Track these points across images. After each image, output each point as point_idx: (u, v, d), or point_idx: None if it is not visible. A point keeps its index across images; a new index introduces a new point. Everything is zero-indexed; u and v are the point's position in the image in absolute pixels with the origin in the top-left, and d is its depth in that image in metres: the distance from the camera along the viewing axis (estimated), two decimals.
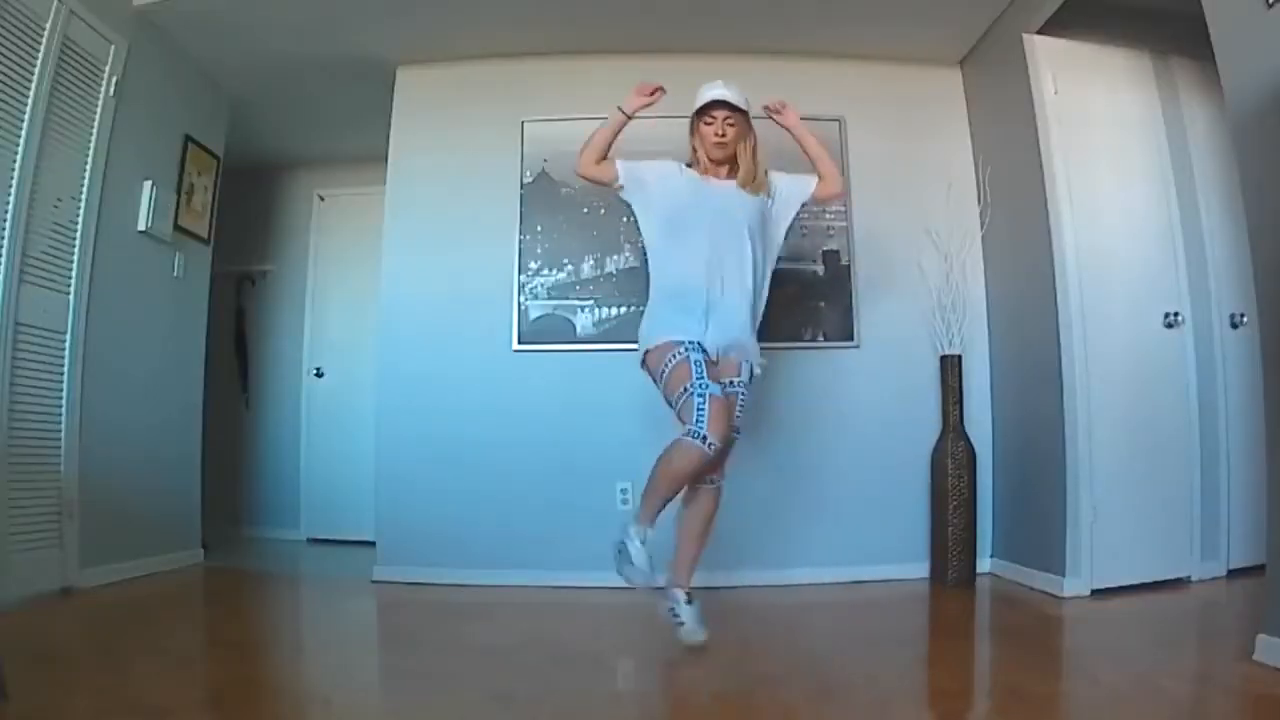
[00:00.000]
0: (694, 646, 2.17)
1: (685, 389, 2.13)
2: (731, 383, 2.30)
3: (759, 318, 2.40)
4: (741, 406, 2.36)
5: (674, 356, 2.20)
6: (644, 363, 2.33)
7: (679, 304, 2.28)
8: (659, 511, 2.22)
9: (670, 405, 2.24)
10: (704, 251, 2.26)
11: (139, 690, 1.75)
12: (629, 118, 2.39)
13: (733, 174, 2.38)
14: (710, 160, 2.38)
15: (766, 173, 2.41)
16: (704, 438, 2.08)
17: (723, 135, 2.33)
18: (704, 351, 2.22)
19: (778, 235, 2.47)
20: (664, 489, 2.18)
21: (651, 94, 2.38)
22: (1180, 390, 3.00)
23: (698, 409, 2.09)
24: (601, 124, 2.40)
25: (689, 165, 2.43)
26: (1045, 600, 2.81)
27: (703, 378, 2.13)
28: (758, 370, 2.38)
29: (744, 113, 2.36)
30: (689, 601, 2.27)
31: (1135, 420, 2.93)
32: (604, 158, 2.39)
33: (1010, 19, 3.21)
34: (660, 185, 2.38)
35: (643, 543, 2.17)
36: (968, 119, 3.59)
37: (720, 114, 2.33)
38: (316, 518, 4.67)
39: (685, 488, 2.27)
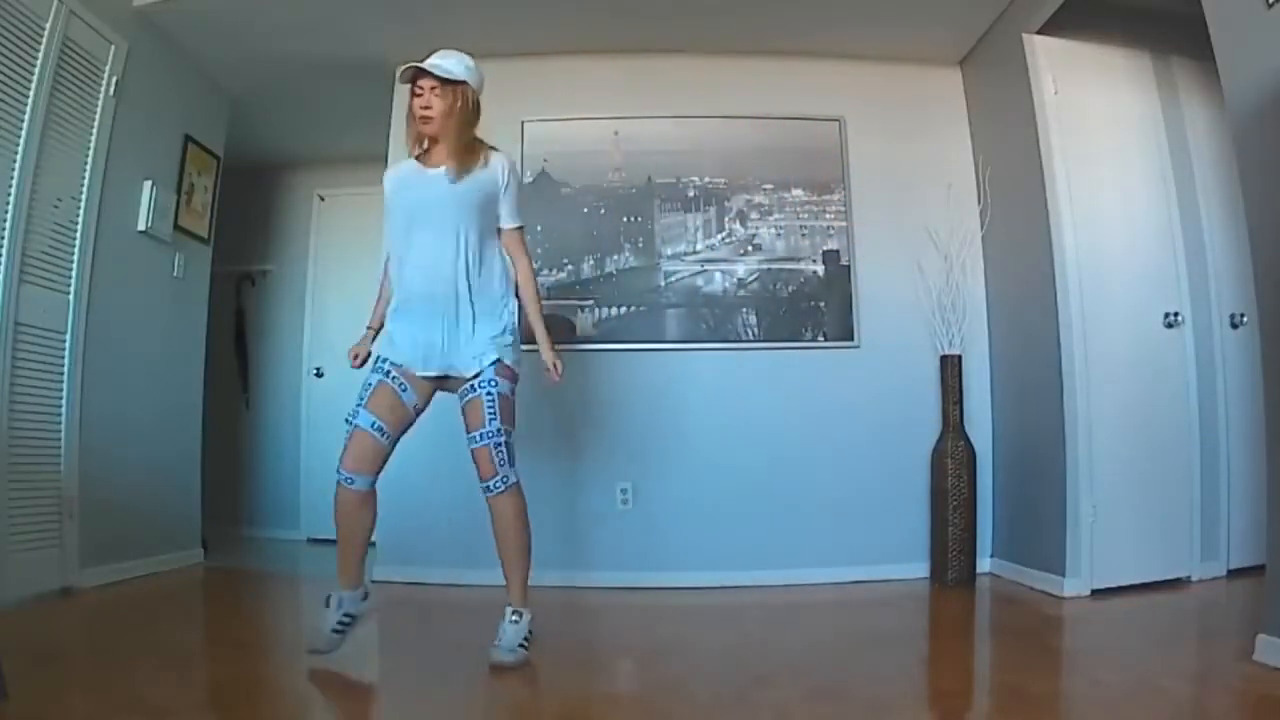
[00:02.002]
0: (496, 666, 1.97)
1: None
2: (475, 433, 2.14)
3: (490, 314, 2.15)
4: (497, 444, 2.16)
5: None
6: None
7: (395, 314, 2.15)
8: (348, 567, 2.14)
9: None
10: (411, 252, 2.10)
11: (139, 690, 1.75)
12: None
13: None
14: (424, 138, 2.15)
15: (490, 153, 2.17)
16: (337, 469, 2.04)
17: (427, 107, 2.08)
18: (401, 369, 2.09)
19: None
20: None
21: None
22: (1180, 390, 3.00)
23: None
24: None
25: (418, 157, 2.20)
26: (1045, 600, 2.81)
27: (360, 405, 2.07)
28: (493, 363, 2.13)
29: (458, 83, 2.10)
30: (513, 619, 2.10)
31: (1135, 420, 2.93)
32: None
33: (1010, 19, 3.21)
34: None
35: (335, 606, 2.08)
36: (968, 119, 3.59)
37: (425, 84, 2.09)
38: (316, 518, 4.66)
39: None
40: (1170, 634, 2.41)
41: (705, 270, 3.45)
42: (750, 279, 3.46)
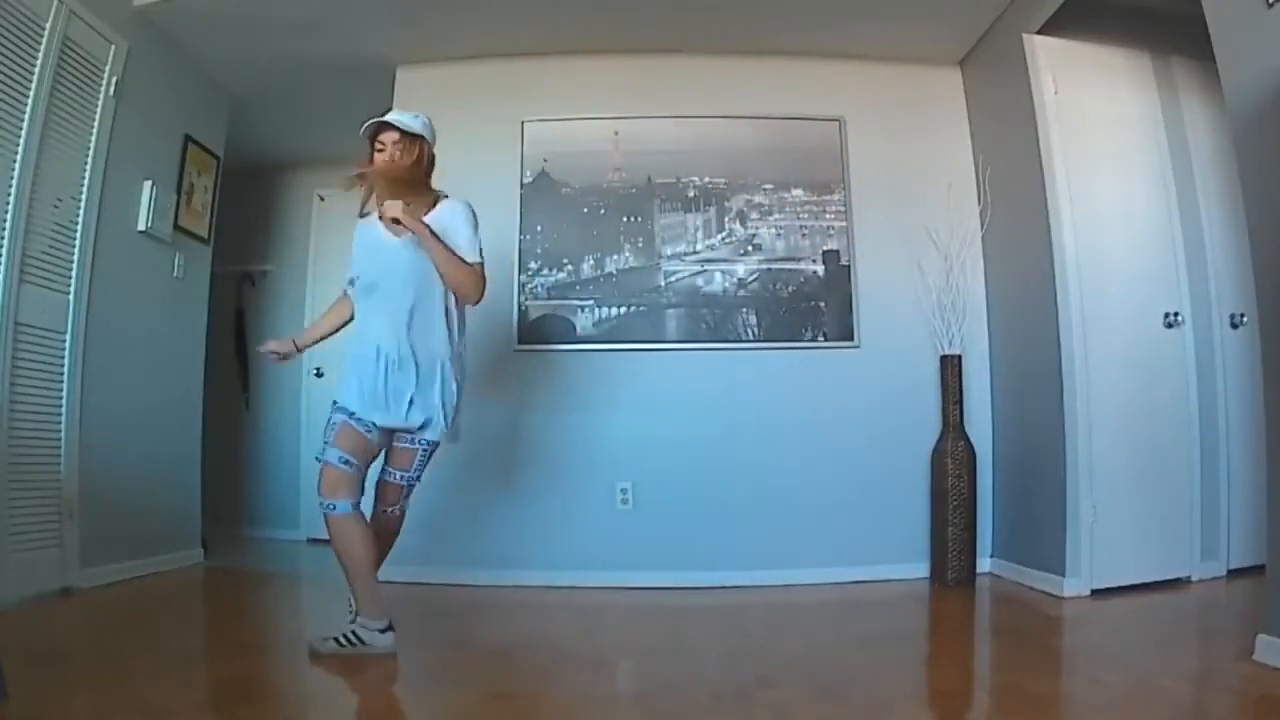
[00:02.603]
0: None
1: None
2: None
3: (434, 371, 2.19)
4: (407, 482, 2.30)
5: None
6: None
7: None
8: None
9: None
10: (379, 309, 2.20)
11: (139, 690, 1.75)
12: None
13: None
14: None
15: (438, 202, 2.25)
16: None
17: (391, 160, 2.22)
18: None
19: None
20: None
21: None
22: (1180, 390, 3.00)
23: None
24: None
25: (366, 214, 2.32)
26: (1045, 600, 2.81)
27: (327, 443, 2.15)
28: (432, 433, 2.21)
29: (418, 138, 2.24)
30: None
31: (1135, 420, 2.92)
32: (339, 319, 2.39)
33: (1010, 19, 3.21)
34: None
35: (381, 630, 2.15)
36: (968, 119, 3.59)
37: (389, 138, 2.22)
38: (316, 518, 4.58)
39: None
40: (1170, 634, 2.41)
41: (705, 270, 3.45)
42: (750, 279, 3.46)
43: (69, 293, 2.88)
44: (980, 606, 2.89)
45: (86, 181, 2.94)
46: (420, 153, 2.24)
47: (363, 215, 2.35)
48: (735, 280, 3.45)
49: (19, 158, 2.60)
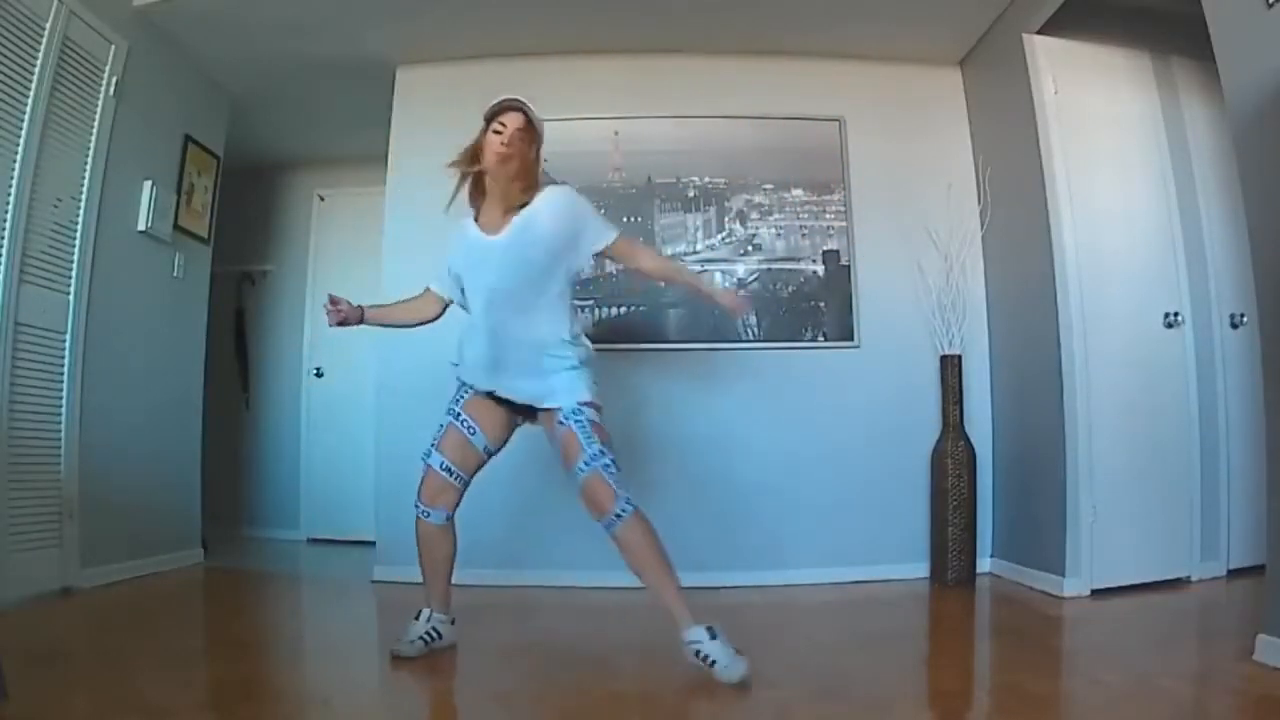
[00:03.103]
0: (742, 683, 1.83)
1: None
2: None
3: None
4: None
5: None
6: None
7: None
8: (436, 591, 2.25)
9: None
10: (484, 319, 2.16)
11: (139, 690, 1.75)
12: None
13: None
14: (495, 174, 2.14)
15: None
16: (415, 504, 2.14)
17: (509, 145, 2.11)
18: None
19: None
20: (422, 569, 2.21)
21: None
22: (1180, 390, 3.00)
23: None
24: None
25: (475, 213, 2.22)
26: (1045, 600, 2.81)
27: (432, 444, 2.16)
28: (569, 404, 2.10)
29: (536, 131, 2.17)
30: (713, 636, 1.91)
31: (1135, 420, 2.93)
32: (417, 315, 2.37)
33: (1010, 19, 3.21)
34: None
35: (424, 618, 2.18)
36: (968, 119, 3.59)
37: (513, 121, 2.12)
38: (316, 518, 4.67)
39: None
40: (1170, 634, 2.41)
41: (705, 270, 3.44)
42: (750, 279, 3.46)
43: (69, 293, 2.88)
44: (980, 606, 2.89)
45: (86, 181, 2.94)
46: (539, 146, 2.17)
47: (449, 205, 2.24)
48: (735, 280, 3.45)
49: (19, 158, 2.61)
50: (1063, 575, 2.84)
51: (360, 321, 2.32)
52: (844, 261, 3.47)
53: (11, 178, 2.59)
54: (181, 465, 3.57)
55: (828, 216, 3.49)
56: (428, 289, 2.35)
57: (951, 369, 3.28)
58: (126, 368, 3.18)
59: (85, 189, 2.94)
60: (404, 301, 2.41)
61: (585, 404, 2.10)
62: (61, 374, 2.84)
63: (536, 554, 3.27)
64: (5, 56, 2.53)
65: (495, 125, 2.12)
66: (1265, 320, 2.04)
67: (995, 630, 2.67)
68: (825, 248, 3.48)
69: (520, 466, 3.33)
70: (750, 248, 3.47)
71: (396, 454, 3.40)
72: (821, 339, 3.43)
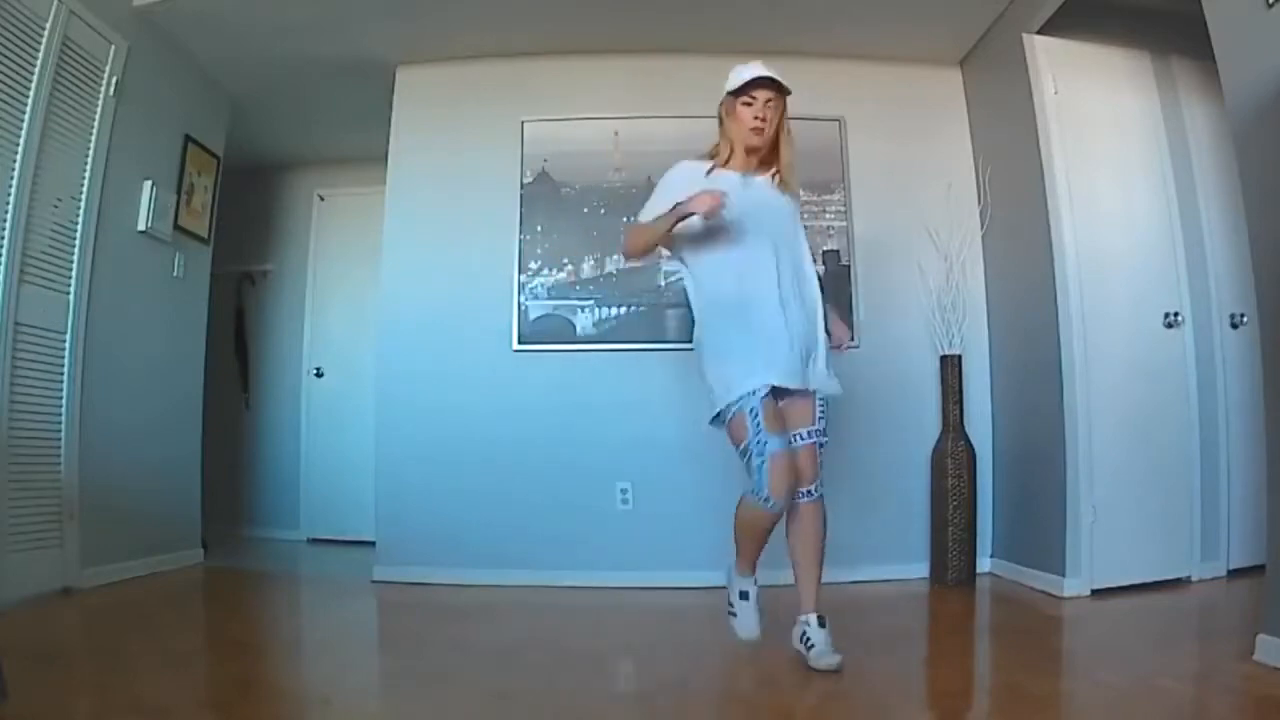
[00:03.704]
0: (828, 670, 1.91)
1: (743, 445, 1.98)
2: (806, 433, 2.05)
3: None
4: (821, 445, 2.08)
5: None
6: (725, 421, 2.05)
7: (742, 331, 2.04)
8: (754, 559, 2.14)
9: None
10: (769, 261, 2.05)
11: (139, 690, 1.75)
12: (679, 220, 2.01)
13: (764, 168, 2.14)
14: (746, 150, 2.12)
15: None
16: (765, 498, 1.95)
17: (762, 118, 2.07)
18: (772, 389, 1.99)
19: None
20: (742, 541, 2.12)
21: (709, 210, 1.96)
22: (1180, 390, 3.00)
23: (757, 469, 1.94)
24: (650, 223, 2.12)
25: (710, 160, 2.16)
26: (1045, 600, 2.81)
27: (760, 431, 1.94)
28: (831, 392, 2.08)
29: (785, 94, 2.11)
30: (821, 625, 2.01)
31: (1135, 420, 2.92)
32: (649, 252, 2.25)
33: (1010, 19, 3.21)
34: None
35: (746, 596, 2.14)
36: (968, 119, 3.59)
37: (762, 94, 2.06)
38: (316, 518, 4.67)
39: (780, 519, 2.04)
40: (1170, 634, 2.41)
41: None
42: None
43: (69, 293, 2.88)
44: (980, 606, 2.89)
45: (86, 181, 2.94)
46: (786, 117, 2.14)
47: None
48: None
49: (19, 158, 2.61)
50: (1063, 575, 2.84)
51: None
52: (844, 261, 3.47)
53: (11, 178, 2.59)
54: (181, 465, 3.57)
55: (828, 216, 3.49)
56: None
57: (951, 369, 3.28)
58: (126, 368, 3.18)
59: (85, 189, 2.94)
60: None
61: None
62: (61, 374, 2.84)
63: (537, 554, 3.27)
64: (5, 56, 2.53)
65: (745, 100, 2.10)
66: (1265, 320, 2.04)
67: (995, 630, 2.67)
68: (825, 248, 3.48)
69: (520, 466, 3.34)
70: None
71: (396, 454, 3.41)
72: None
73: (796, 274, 2.10)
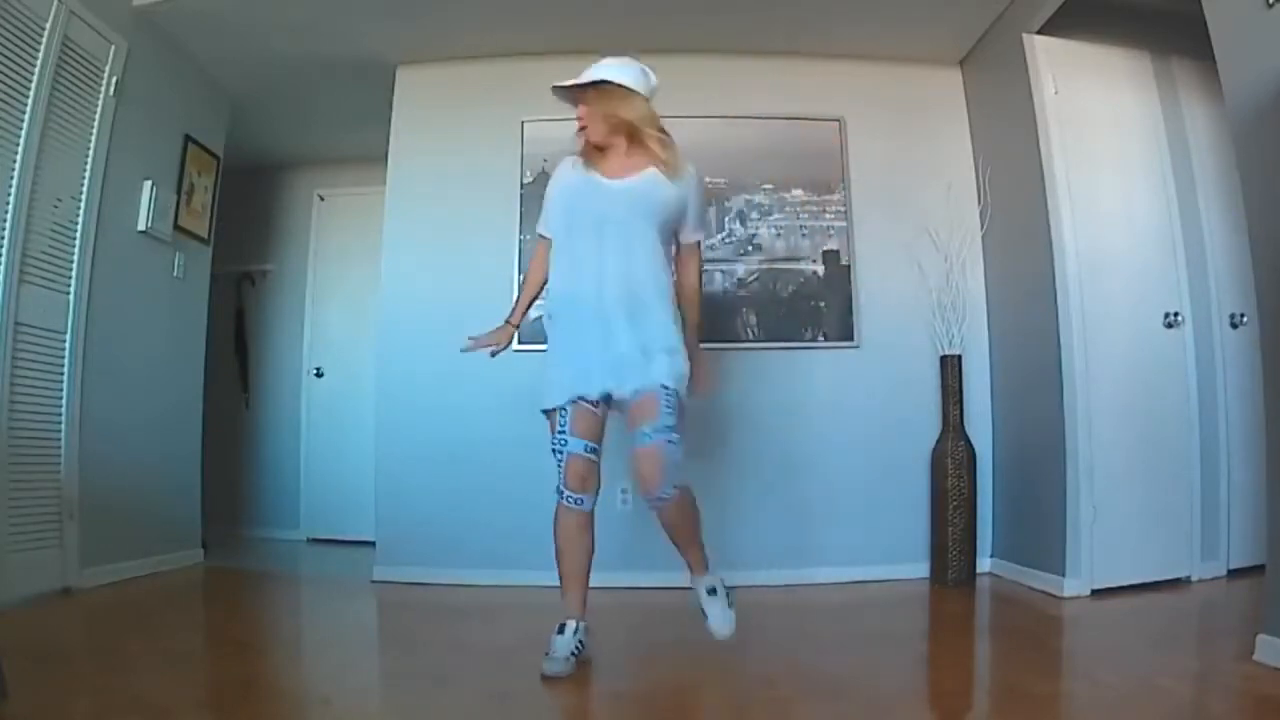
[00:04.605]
0: (720, 639, 2.04)
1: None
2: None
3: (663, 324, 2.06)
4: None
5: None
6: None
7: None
8: (573, 584, 2.11)
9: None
10: (594, 262, 2.04)
11: (139, 690, 1.75)
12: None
13: (630, 158, 2.09)
14: (592, 147, 2.12)
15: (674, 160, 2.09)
16: (558, 488, 2.05)
17: (582, 121, 2.11)
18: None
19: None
20: (559, 554, 2.13)
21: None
22: (1180, 390, 3.00)
23: (557, 465, 2.07)
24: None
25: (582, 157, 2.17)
26: (1045, 600, 2.81)
27: (562, 432, 2.06)
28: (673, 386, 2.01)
29: (609, 85, 2.07)
30: (711, 592, 2.11)
31: (1135, 420, 2.92)
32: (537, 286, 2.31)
33: (1010, 19, 3.21)
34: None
35: (570, 632, 2.01)
36: (968, 119, 3.59)
37: (579, 102, 2.10)
38: (316, 518, 4.67)
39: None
40: (1170, 634, 2.41)
41: (705, 270, 3.43)
42: (750, 279, 3.46)
43: (69, 293, 2.88)
44: (980, 607, 2.89)
45: (86, 181, 2.94)
46: (609, 100, 2.10)
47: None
48: (735, 280, 3.45)
49: (19, 158, 2.60)
50: (1063, 575, 2.84)
51: (516, 329, 2.33)
52: (844, 261, 3.47)
53: (11, 178, 2.59)
54: (181, 465, 3.57)
55: (828, 216, 3.49)
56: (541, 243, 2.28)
57: (951, 369, 3.28)
58: (126, 368, 3.18)
59: (85, 189, 2.93)
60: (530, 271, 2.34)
61: None
62: (61, 374, 2.84)
63: (536, 554, 3.26)
64: (5, 56, 2.53)
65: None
66: (1265, 320, 2.04)
67: (995, 630, 2.67)
68: (825, 248, 3.48)
69: (520, 466, 3.34)
70: (750, 248, 3.47)
71: (396, 454, 3.41)
72: (821, 339, 3.43)
73: (633, 273, 2.03)
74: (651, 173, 2.07)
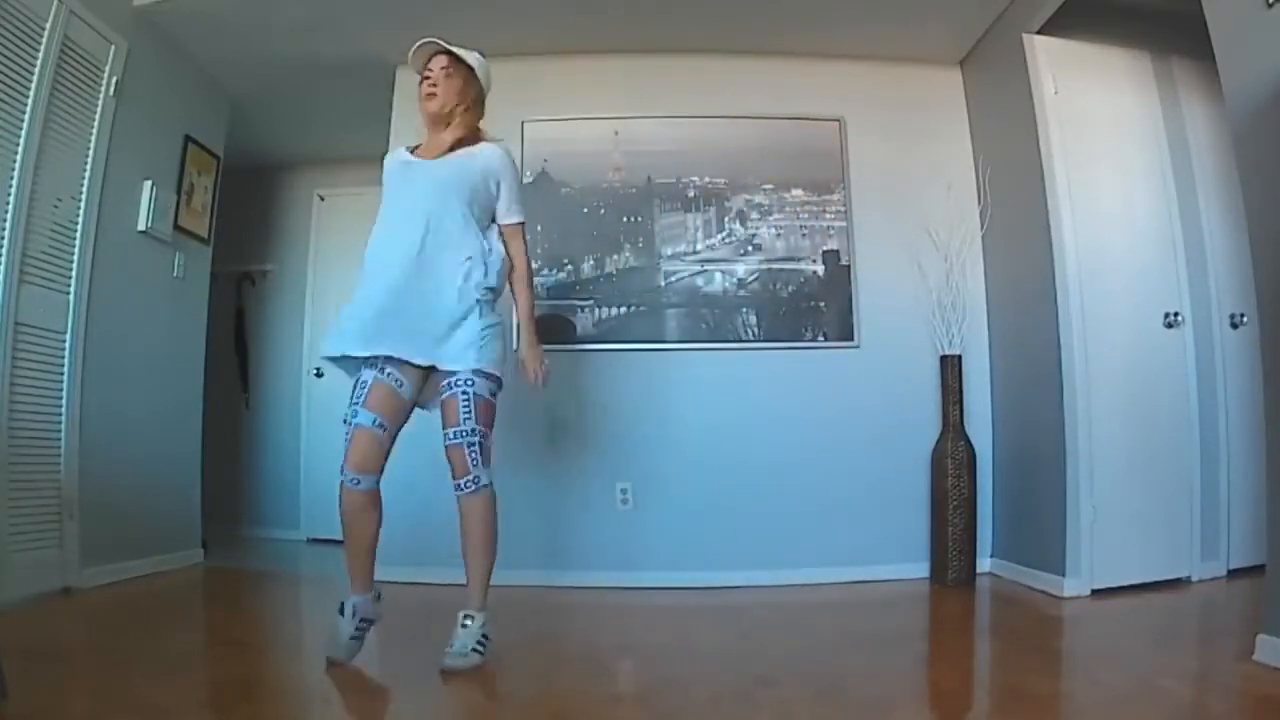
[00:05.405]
0: (446, 668, 1.92)
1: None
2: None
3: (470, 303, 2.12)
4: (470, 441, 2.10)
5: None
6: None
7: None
8: (360, 571, 2.12)
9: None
10: (413, 237, 2.09)
11: (139, 690, 1.75)
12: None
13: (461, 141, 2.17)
14: (429, 126, 2.21)
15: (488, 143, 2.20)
16: (341, 468, 2.06)
17: (434, 82, 2.17)
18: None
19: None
20: (345, 538, 2.14)
21: None
22: (1180, 390, 3.00)
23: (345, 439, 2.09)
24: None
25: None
26: (1045, 600, 2.81)
27: (354, 403, 2.10)
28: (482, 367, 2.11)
29: (468, 67, 2.20)
30: (466, 623, 2.05)
31: (1135, 420, 2.93)
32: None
33: (1010, 19, 3.21)
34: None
35: (350, 614, 2.04)
36: (968, 119, 3.59)
37: (436, 62, 2.18)
38: (316, 518, 4.67)
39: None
40: (1170, 634, 2.41)
41: (705, 270, 3.45)
42: (750, 279, 3.46)
43: (69, 293, 2.88)
44: (980, 607, 2.89)
45: (86, 181, 2.94)
46: (468, 86, 2.25)
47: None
48: (735, 280, 3.45)
49: (19, 158, 2.60)
50: (1063, 575, 2.84)
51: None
52: (844, 261, 3.47)
53: (11, 178, 2.59)
54: (181, 465, 3.57)
55: (828, 216, 3.49)
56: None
57: (951, 369, 3.28)
58: (126, 368, 3.18)
59: (85, 189, 2.93)
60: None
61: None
62: (61, 374, 2.84)
63: (536, 554, 3.27)
64: (5, 56, 2.53)
65: (426, 71, 2.21)
66: (1265, 320, 2.04)
67: (995, 630, 2.67)
68: (825, 248, 3.48)
69: (519, 466, 3.34)
70: (750, 248, 3.47)
71: (395, 454, 3.39)
72: (821, 339, 3.43)
73: (445, 249, 2.09)
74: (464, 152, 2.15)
